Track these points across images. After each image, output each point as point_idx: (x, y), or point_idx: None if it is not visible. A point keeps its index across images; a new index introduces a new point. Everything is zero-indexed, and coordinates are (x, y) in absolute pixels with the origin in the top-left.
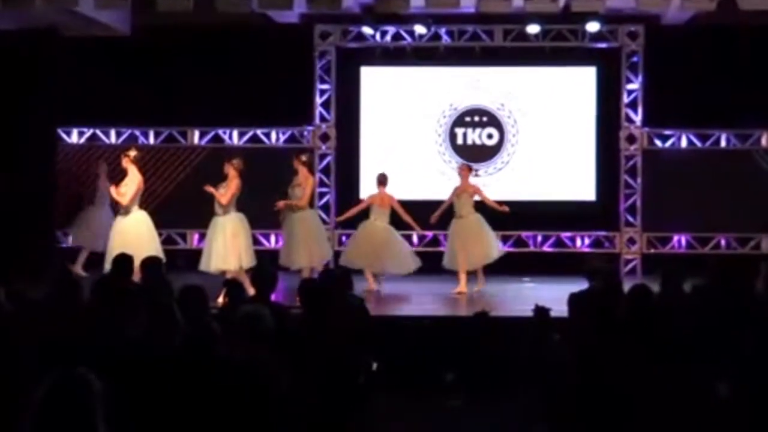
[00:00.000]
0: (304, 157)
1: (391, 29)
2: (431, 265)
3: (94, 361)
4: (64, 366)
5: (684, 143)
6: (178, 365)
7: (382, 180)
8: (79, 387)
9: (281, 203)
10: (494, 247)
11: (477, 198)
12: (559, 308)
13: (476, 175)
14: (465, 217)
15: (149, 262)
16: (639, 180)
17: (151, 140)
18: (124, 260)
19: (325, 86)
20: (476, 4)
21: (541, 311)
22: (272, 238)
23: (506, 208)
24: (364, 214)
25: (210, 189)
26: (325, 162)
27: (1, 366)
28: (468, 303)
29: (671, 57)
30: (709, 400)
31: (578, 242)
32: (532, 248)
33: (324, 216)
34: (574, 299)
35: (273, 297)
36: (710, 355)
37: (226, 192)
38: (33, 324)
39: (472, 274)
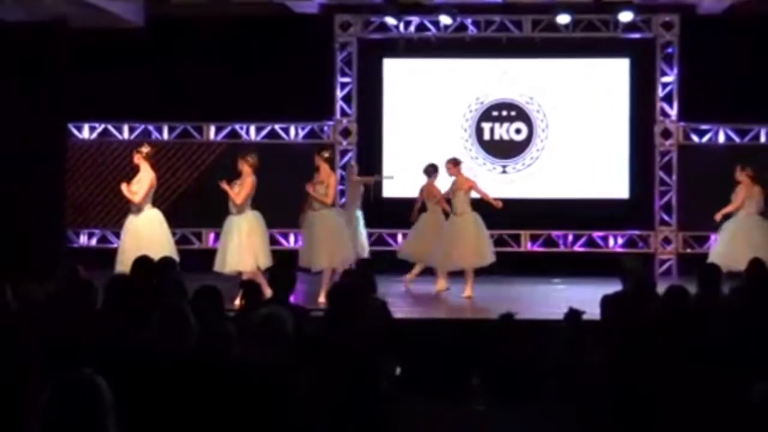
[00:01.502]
0: (326, 154)
1: (415, 19)
2: None
3: (105, 363)
4: (72, 368)
5: (721, 138)
6: (192, 368)
7: (427, 171)
8: (88, 389)
9: (310, 188)
10: (488, 251)
11: (475, 195)
12: (592, 310)
13: (504, 172)
14: (460, 215)
15: (162, 263)
16: (674, 177)
17: (165, 136)
18: (145, 263)
19: (346, 79)
20: None
21: (573, 314)
22: (291, 238)
23: (500, 203)
24: (424, 208)
25: (224, 186)
26: (346, 158)
27: (7, 365)
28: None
29: (708, 48)
30: (745, 404)
31: (611, 242)
32: (562, 248)
33: None
34: (607, 301)
35: (291, 299)
36: (747, 358)
37: (240, 190)
38: (38, 324)
39: (458, 275)
